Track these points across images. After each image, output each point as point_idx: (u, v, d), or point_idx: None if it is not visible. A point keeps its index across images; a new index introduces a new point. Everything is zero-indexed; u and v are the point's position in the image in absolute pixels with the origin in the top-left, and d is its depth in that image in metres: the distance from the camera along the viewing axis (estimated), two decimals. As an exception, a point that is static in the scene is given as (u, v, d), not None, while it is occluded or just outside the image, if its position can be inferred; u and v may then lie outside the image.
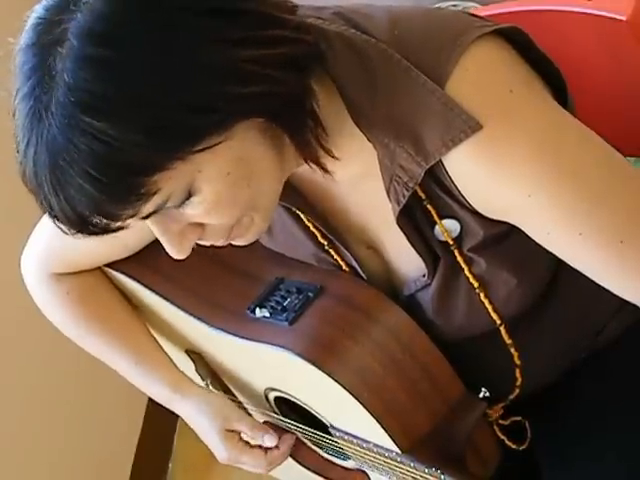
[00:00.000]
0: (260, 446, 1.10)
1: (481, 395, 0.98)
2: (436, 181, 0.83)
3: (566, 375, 1.04)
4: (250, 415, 1.18)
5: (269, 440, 1.09)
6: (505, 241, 0.88)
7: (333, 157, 0.84)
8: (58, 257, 1.13)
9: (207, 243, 0.83)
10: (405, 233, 0.88)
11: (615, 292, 0.84)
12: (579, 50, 1.21)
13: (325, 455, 1.16)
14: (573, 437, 1.02)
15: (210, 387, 1.17)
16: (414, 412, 0.95)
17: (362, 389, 0.92)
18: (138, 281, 1.12)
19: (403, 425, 0.94)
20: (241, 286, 1.07)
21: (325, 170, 0.85)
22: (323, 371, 0.91)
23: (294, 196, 0.94)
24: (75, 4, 0.70)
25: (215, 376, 1.18)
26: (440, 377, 0.96)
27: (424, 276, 0.92)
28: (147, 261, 1.11)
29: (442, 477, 0.92)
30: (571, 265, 0.84)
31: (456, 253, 0.89)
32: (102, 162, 0.69)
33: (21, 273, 1.18)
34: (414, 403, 0.95)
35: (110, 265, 1.14)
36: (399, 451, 0.94)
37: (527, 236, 0.84)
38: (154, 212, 0.75)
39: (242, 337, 1.01)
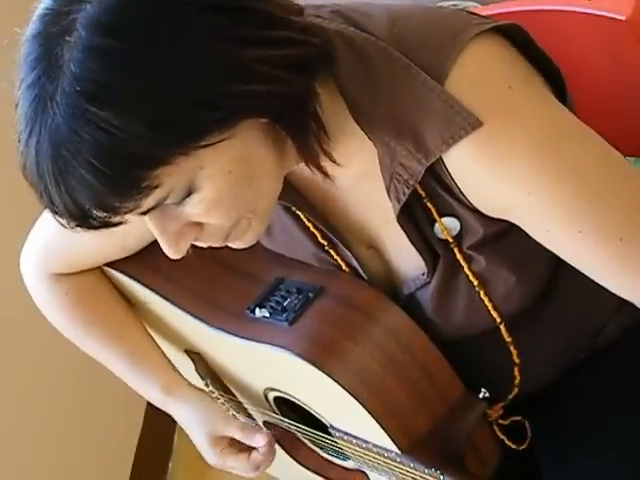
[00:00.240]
0: (245, 451, 1.11)
1: (481, 395, 0.98)
2: (436, 179, 0.84)
3: (566, 374, 1.04)
4: (249, 415, 1.18)
5: (261, 439, 1.09)
6: (505, 239, 0.88)
7: (333, 162, 0.84)
8: (57, 256, 1.13)
9: (204, 244, 0.83)
10: (405, 231, 0.88)
11: (614, 291, 0.84)
12: (579, 50, 1.21)
13: (325, 455, 1.16)
14: (573, 436, 1.02)
15: (210, 387, 1.17)
16: (414, 412, 0.95)
17: (362, 389, 0.92)
18: (138, 281, 1.12)
19: (402, 425, 0.94)
20: (241, 286, 1.07)
21: (325, 174, 0.85)
22: (323, 371, 0.91)
23: (294, 196, 0.94)
24: None
25: (215, 376, 1.18)
26: (440, 377, 0.96)
27: (423, 274, 0.92)
28: (147, 261, 1.11)
29: (441, 477, 0.92)
30: (570, 263, 0.84)
31: (456, 251, 0.89)
32: (105, 153, 0.69)
33: (20, 272, 1.18)
34: (414, 403, 0.95)
35: (110, 264, 1.14)
36: (398, 451, 0.94)
37: (527, 234, 0.84)
38: (154, 207, 0.75)
39: (242, 337, 1.01)
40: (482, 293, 0.90)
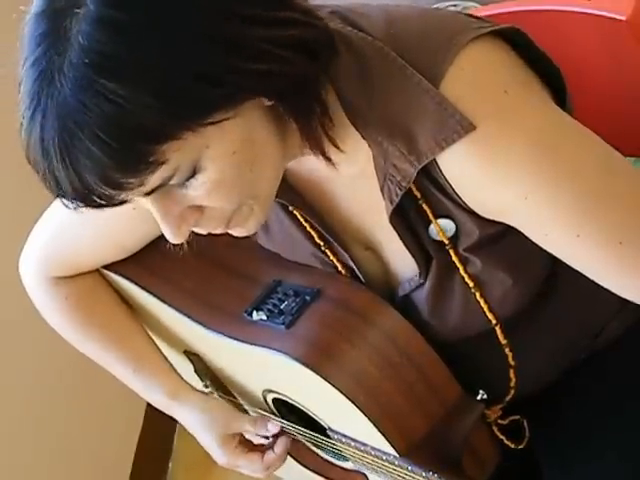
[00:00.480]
0: (257, 450, 1.10)
1: (478, 397, 0.98)
2: (431, 180, 0.83)
3: (566, 375, 1.04)
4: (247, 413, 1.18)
5: (273, 427, 1.09)
6: (501, 241, 0.87)
7: (337, 148, 0.84)
8: (57, 258, 1.13)
9: (204, 230, 0.82)
10: (398, 232, 0.88)
11: (615, 291, 0.84)
12: (579, 50, 1.21)
13: (324, 456, 1.16)
14: (573, 437, 1.02)
15: (209, 388, 1.17)
16: (411, 415, 0.95)
17: (358, 392, 0.92)
18: (136, 283, 1.12)
19: (400, 428, 0.94)
20: (238, 288, 1.07)
21: (329, 159, 0.85)
22: (320, 375, 0.91)
23: (292, 195, 0.94)
24: None
25: (214, 377, 1.18)
26: (437, 379, 0.96)
27: (417, 276, 0.92)
28: (145, 263, 1.11)
29: (439, 480, 0.92)
30: (570, 265, 0.84)
31: (451, 253, 0.89)
32: (112, 125, 0.69)
33: (19, 274, 1.18)
34: (411, 406, 0.95)
35: (107, 267, 1.14)
36: (396, 454, 0.94)
37: (524, 236, 0.84)
38: (158, 187, 0.74)
39: (239, 340, 1.00)
40: (478, 295, 0.90)
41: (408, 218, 0.87)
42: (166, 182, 0.74)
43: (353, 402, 0.91)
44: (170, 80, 0.70)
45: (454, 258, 0.89)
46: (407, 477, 0.96)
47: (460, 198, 0.83)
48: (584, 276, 0.84)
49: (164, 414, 1.19)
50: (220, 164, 0.76)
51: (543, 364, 1.02)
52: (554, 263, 0.89)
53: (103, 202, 0.74)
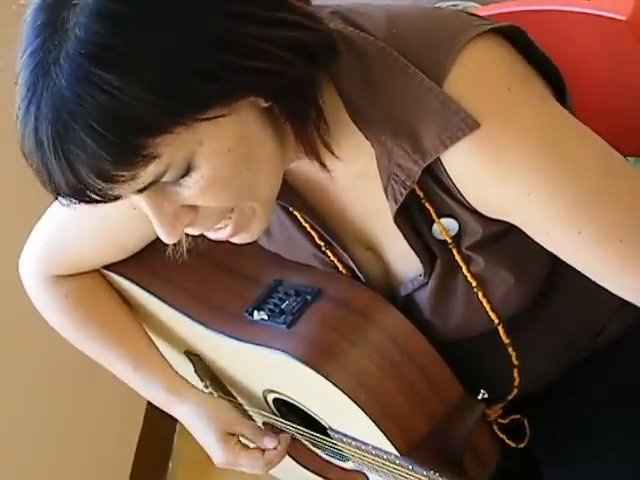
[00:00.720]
0: (254, 448, 1.10)
1: (480, 396, 0.98)
2: (435, 179, 0.83)
3: (566, 374, 1.04)
4: (249, 416, 1.18)
5: (269, 443, 1.09)
6: (504, 239, 0.87)
7: (333, 154, 0.84)
8: (57, 257, 1.13)
9: (197, 231, 0.82)
10: (402, 232, 0.88)
11: (615, 291, 0.84)
12: (579, 50, 1.21)
13: (324, 456, 1.16)
14: (574, 436, 1.02)
15: (209, 388, 1.17)
16: (412, 414, 0.95)
17: (360, 392, 0.91)
18: (136, 283, 1.12)
19: (401, 427, 0.94)
20: (239, 288, 1.07)
21: (323, 165, 0.85)
22: (321, 374, 0.91)
23: (292, 196, 0.93)
24: None
25: (214, 377, 1.18)
26: (438, 378, 0.96)
27: (421, 276, 0.92)
28: (145, 263, 1.11)
29: (440, 480, 0.92)
30: (570, 264, 0.84)
31: (454, 252, 0.89)
32: (106, 116, 0.69)
33: (19, 273, 1.18)
34: (412, 405, 0.95)
35: (108, 267, 1.14)
36: (397, 453, 0.94)
37: (525, 235, 0.84)
38: (151, 184, 0.74)
39: (240, 340, 1.00)
40: (481, 294, 0.90)
41: (412, 218, 0.87)
42: (159, 178, 0.74)
43: (354, 401, 0.91)
44: (166, 74, 0.70)
45: (457, 257, 0.89)
46: (408, 476, 0.96)
47: (463, 197, 0.83)
48: (584, 276, 0.84)
49: (164, 414, 1.19)
50: (214, 162, 0.75)
51: (545, 363, 1.02)
52: (555, 263, 0.89)
53: (96, 197, 0.73)
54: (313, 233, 0.97)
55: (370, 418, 0.91)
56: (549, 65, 0.85)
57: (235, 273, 1.08)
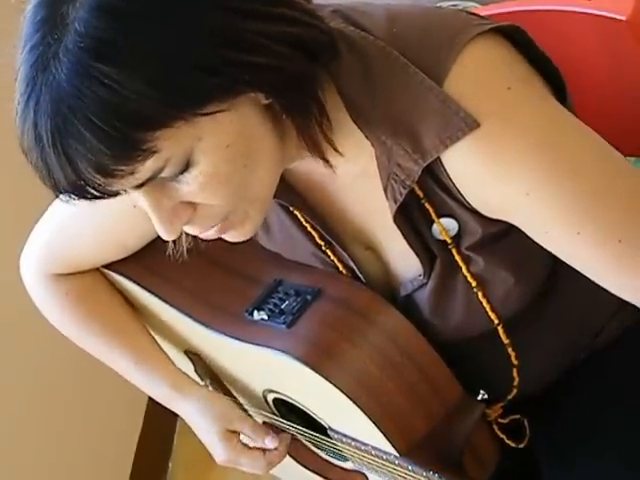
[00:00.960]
0: (259, 447, 1.10)
1: (479, 397, 0.98)
2: (434, 179, 0.83)
3: (566, 374, 1.04)
4: (250, 416, 1.18)
5: (270, 442, 1.09)
6: (504, 239, 0.87)
7: (335, 150, 0.84)
8: (57, 257, 1.13)
9: (196, 230, 0.82)
10: (402, 232, 0.88)
11: (614, 292, 0.84)
12: (579, 50, 1.21)
13: (324, 456, 1.16)
14: (573, 437, 1.02)
15: (209, 388, 1.17)
16: (412, 415, 0.95)
17: (360, 392, 0.91)
18: (136, 283, 1.12)
19: (401, 428, 0.94)
20: (239, 288, 1.06)
21: (326, 161, 0.84)
22: (321, 374, 0.91)
23: (292, 195, 0.93)
24: None
25: (214, 377, 1.18)
26: (438, 379, 0.96)
27: (421, 276, 0.92)
28: (145, 262, 1.11)
29: (440, 480, 0.92)
30: (570, 264, 0.84)
31: (454, 252, 0.89)
32: (105, 110, 0.69)
33: (20, 272, 1.18)
34: (412, 406, 0.95)
35: (108, 266, 1.14)
36: (397, 454, 0.94)
37: (525, 235, 0.84)
38: (150, 179, 0.74)
39: (240, 340, 1.00)
40: (480, 294, 0.90)
41: (412, 217, 0.87)
42: (157, 174, 0.74)
43: (354, 402, 0.91)
44: (165, 68, 0.70)
45: (457, 257, 0.89)
46: (407, 477, 0.96)
47: (463, 197, 0.83)
48: (584, 276, 0.84)
49: (164, 414, 1.19)
50: (213, 157, 0.75)
51: (545, 364, 1.02)
52: (555, 263, 0.89)
53: (96, 193, 0.73)
54: (313, 233, 0.97)
55: (370, 419, 0.91)
56: (549, 65, 0.85)
57: (235, 273, 1.08)
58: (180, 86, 0.71)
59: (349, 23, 0.85)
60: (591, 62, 1.23)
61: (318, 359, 0.92)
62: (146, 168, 0.73)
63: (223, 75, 0.72)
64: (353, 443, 1.00)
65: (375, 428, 0.92)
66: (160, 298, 1.10)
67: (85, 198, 0.74)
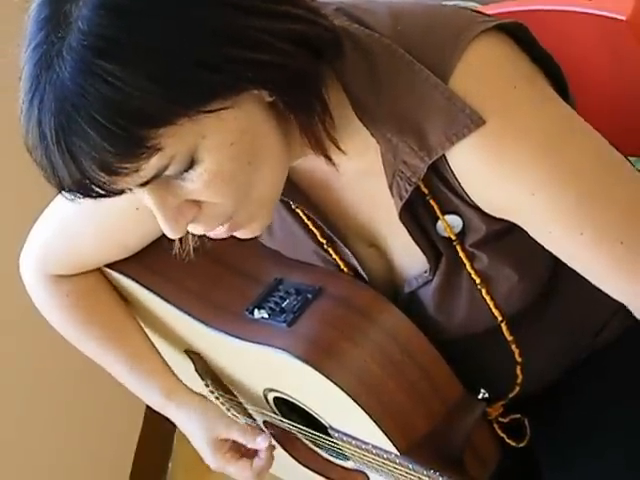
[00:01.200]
0: (246, 457, 1.11)
1: (480, 396, 0.98)
2: (439, 176, 0.83)
3: (567, 374, 1.04)
4: (249, 415, 1.18)
5: (262, 441, 1.09)
6: (507, 237, 0.88)
7: (339, 148, 0.84)
8: (57, 256, 1.13)
9: (201, 229, 0.82)
10: (408, 229, 0.88)
11: (614, 295, 0.84)
12: (579, 50, 1.21)
13: (325, 455, 1.16)
14: (574, 436, 1.02)
15: (209, 387, 1.17)
16: (413, 413, 0.95)
17: (360, 391, 0.91)
18: (137, 282, 1.12)
19: (401, 426, 0.94)
20: (240, 286, 1.06)
21: (329, 159, 0.84)
22: (321, 373, 0.91)
23: (294, 193, 0.93)
24: None
25: (214, 376, 1.18)
26: (438, 378, 0.96)
27: (426, 272, 0.92)
28: (146, 262, 1.11)
29: (440, 479, 0.92)
30: (571, 266, 0.84)
31: (458, 249, 0.89)
32: (109, 107, 0.69)
33: (20, 271, 1.18)
34: (413, 404, 0.95)
35: (109, 266, 1.14)
36: (397, 453, 0.94)
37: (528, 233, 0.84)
38: (154, 177, 0.74)
39: (241, 338, 1.00)
40: (484, 291, 0.91)
41: (417, 214, 0.87)
42: (162, 172, 0.74)
43: (355, 400, 0.91)
44: (168, 65, 0.70)
45: (461, 254, 0.89)
46: (408, 476, 0.96)
47: (467, 195, 0.83)
48: (584, 278, 0.84)
49: (164, 415, 1.19)
50: (217, 155, 0.75)
51: (546, 363, 1.02)
52: (556, 264, 0.89)
53: (100, 191, 0.73)
54: (315, 230, 0.97)
55: (371, 417, 0.91)
56: (551, 63, 0.85)
57: (236, 271, 1.08)
58: (183, 83, 0.71)
59: (353, 21, 0.85)
60: (591, 62, 1.23)
61: (319, 357, 0.92)
62: (150, 166, 0.73)
63: (226, 72, 0.72)
64: (354, 442, 1.00)
65: (376, 427, 0.92)
66: (161, 297, 1.10)
67: (90, 196, 0.74)
